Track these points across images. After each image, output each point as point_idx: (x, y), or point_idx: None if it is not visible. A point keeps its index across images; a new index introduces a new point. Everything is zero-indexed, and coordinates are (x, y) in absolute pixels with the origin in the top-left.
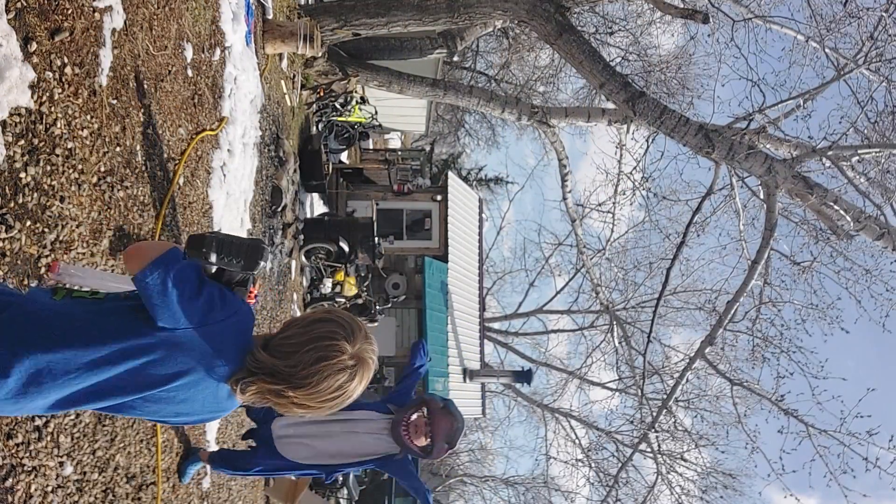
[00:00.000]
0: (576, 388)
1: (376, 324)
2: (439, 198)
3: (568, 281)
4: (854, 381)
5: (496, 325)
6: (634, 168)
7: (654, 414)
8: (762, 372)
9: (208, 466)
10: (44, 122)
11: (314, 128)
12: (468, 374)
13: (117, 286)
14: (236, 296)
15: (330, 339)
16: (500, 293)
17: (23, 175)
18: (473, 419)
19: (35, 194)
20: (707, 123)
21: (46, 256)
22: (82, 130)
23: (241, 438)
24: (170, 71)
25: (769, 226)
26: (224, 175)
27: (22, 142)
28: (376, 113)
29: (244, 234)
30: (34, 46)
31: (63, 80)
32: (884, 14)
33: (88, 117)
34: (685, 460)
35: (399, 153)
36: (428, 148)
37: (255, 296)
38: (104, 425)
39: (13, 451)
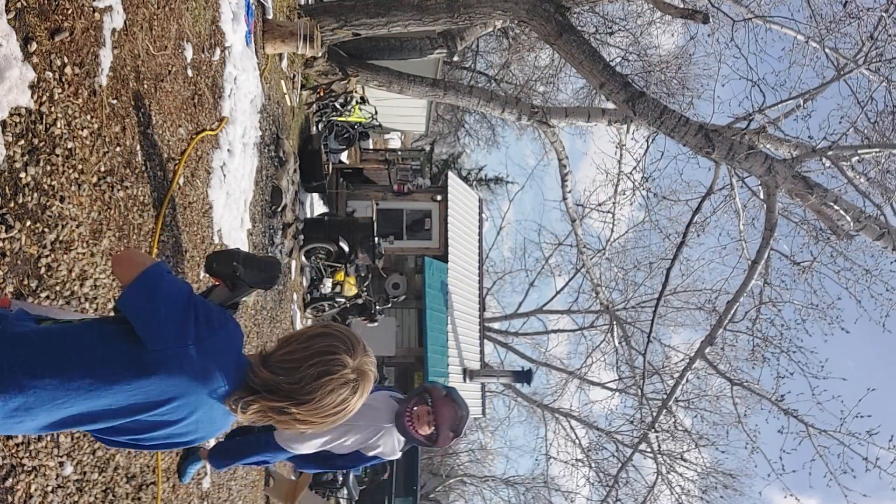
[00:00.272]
0: (576, 388)
1: (376, 324)
2: (439, 198)
3: (568, 281)
4: (854, 381)
5: (496, 325)
6: (634, 168)
7: (654, 414)
8: (762, 372)
9: (208, 465)
10: (44, 122)
11: (314, 128)
12: (468, 374)
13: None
14: (225, 312)
15: (332, 354)
16: (500, 293)
17: (23, 175)
18: (473, 419)
19: (35, 194)
20: (707, 123)
21: (46, 256)
22: (82, 130)
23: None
24: (170, 71)
25: (769, 226)
26: (224, 175)
27: (22, 142)
28: (376, 113)
29: (244, 235)
30: (34, 46)
31: (63, 80)
32: (884, 14)
33: (88, 117)
34: (685, 460)
35: (399, 153)
36: (428, 148)
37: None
38: None
39: (13, 451)
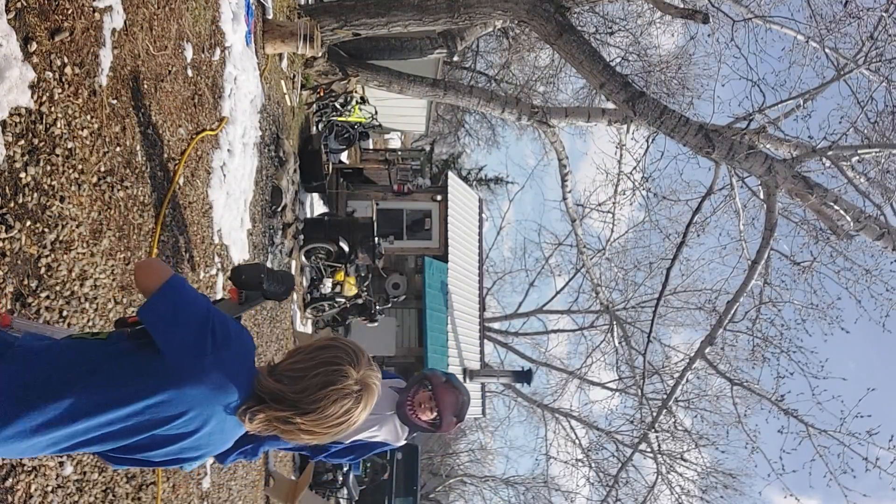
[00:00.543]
0: (576, 388)
1: (376, 324)
2: (439, 198)
3: (568, 281)
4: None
5: (496, 325)
6: (634, 168)
7: (654, 414)
8: (762, 372)
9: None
10: (44, 122)
11: (314, 128)
12: (468, 374)
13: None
14: (239, 324)
15: (336, 365)
16: (500, 293)
17: (23, 175)
18: (473, 419)
19: (35, 194)
20: (707, 123)
21: (46, 256)
22: (82, 130)
23: None
24: (170, 71)
25: (769, 226)
26: (224, 175)
27: (22, 142)
28: (376, 113)
29: (244, 235)
30: (34, 46)
31: (63, 80)
32: (884, 14)
33: (88, 117)
34: (685, 460)
35: (399, 153)
36: (428, 148)
37: None
38: None
39: None
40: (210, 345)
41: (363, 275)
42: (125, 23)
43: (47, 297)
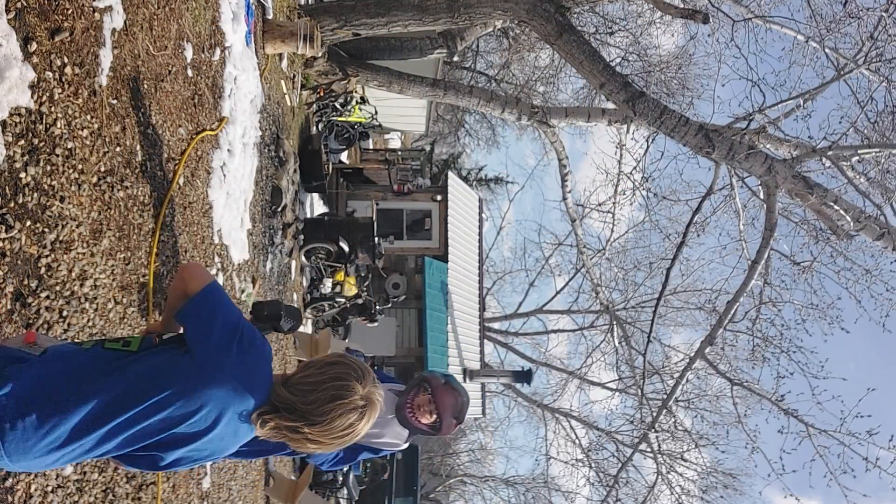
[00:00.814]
0: (576, 388)
1: (376, 324)
2: (439, 198)
3: (568, 281)
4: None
5: (496, 325)
6: (634, 168)
7: (654, 414)
8: (762, 372)
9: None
10: (44, 122)
11: (314, 128)
12: (468, 374)
13: None
14: (263, 336)
15: (344, 380)
16: (500, 293)
17: (23, 175)
18: (473, 419)
19: (35, 194)
20: (707, 123)
21: (46, 256)
22: (82, 130)
23: None
24: (170, 71)
25: (769, 226)
26: (224, 175)
27: (22, 142)
28: (376, 113)
29: (244, 235)
30: (34, 46)
31: (63, 80)
32: (884, 14)
33: (88, 117)
34: (685, 460)
35: (399, 153)
36: (428, 148)
37: None
38: None
39: None
40: (236, 347)
41: (363, 275)
42: (125, 23)
43: (47, 297)
